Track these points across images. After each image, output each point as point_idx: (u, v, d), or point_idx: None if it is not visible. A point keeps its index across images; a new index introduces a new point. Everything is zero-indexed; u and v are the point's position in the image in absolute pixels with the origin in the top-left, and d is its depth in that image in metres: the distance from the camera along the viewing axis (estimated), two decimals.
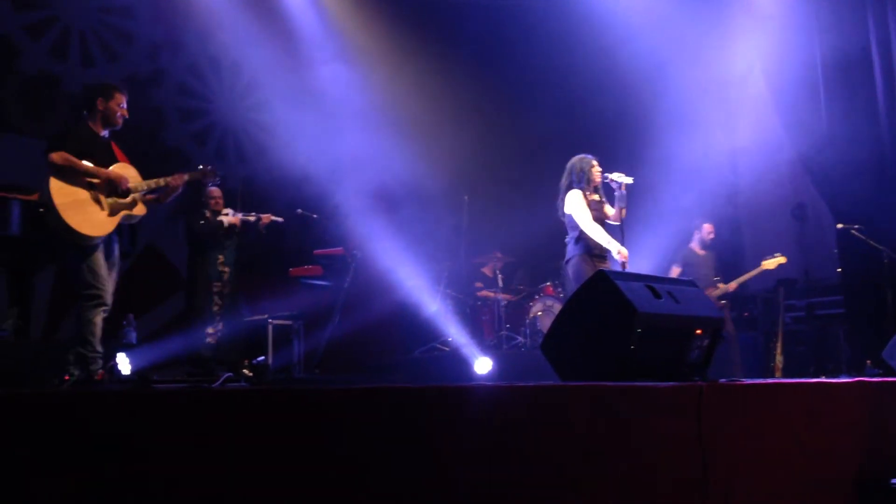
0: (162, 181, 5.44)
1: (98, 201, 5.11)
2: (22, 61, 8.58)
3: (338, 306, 8.24)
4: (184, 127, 9.72)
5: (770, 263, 8.47)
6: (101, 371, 5.04)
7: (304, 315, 8.25)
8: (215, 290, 7.51)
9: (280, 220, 7.98)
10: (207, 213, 7.70)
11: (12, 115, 8.42)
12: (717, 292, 8.47)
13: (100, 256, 5.10)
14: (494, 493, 2.86)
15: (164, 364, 7.45)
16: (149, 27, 9.46)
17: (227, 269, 7.56)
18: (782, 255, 8.51)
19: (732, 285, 8.53)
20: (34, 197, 5.30)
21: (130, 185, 5.26)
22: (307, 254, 8.62)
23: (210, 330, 7.41)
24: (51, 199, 4.93)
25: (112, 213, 5.17)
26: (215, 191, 7.78)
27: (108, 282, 5.16)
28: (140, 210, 5.35)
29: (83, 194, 5.05)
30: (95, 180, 5.11)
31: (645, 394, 3.34)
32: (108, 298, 5.15)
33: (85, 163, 5.10)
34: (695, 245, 8.83)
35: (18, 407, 2.31)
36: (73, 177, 5.04)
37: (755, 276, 8.66)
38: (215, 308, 7.48)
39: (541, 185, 7.63)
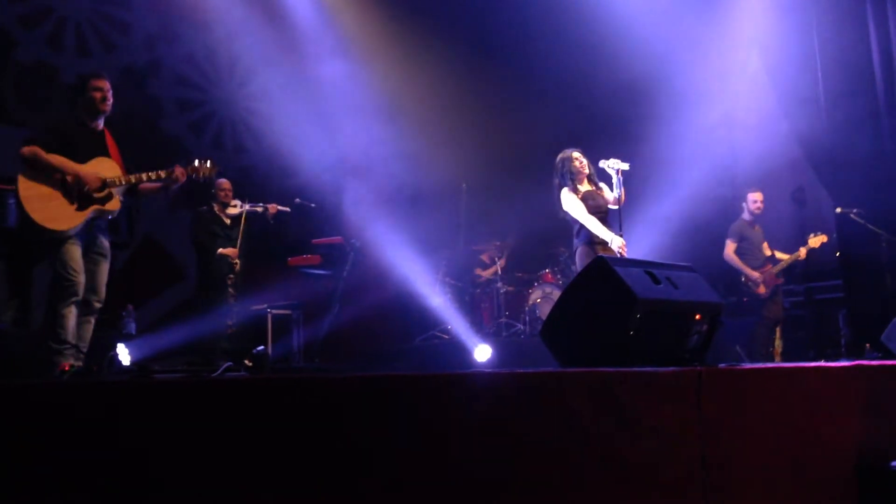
0: (144, 176, 5.36)
1: (68, 195, 5.05)
2: (18, 52, 8.56)
3: (337, 295, 8.25)
4: (182, 117, 9.71)
5: (815, 241, 8.33)
6: (65, 364, 4.92)
7: (303, 304, 8.27)
8: (229, 282, 7.50)
9: (287, 209, 7.96)
10: (216, 206, 7.68)
11: (9, 105, 8.40)
12: (778, 267, 8.37)
13: (72, 249, 5.06)
14: (494, 480, 2.87)
15: (170, 354, 7.48)
16: (144, 17, 9.44)
17: (237, 262, 7.56)
18: (824, 234, 8.37)
19: (803, 252, 8.32)
20: None
21: (107, 179, 5.19)
22: (306, 243, 8.63)
23: (230, 322, 7.43)
24: (17, 193, 4.96)
25: (81, 206, 5.09)
26: (224, 182, 7.76)
27: (82, 274, 5.09)
28: (114, 205, 5.26)
29: (50, 188, 5.01)
30: (67, 176, 5.06)
31: (644, 379, 3.34)
32: (81, 290, 5.07)
33: (53, 158, 5.04)
34: (746, 217, 8.61)
35: (18, 398, 2.31)
36: (41, 171, 5.01)
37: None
38: (231, 300, 7.48)
39: (539, 172, 7.62)
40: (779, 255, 8.49)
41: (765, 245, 8.58)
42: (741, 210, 8.71)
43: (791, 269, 9.10)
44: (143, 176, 5.36)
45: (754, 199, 8.55)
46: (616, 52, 9.66)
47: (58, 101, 8.52)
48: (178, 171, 5.45)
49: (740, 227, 8.58)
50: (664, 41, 9.51)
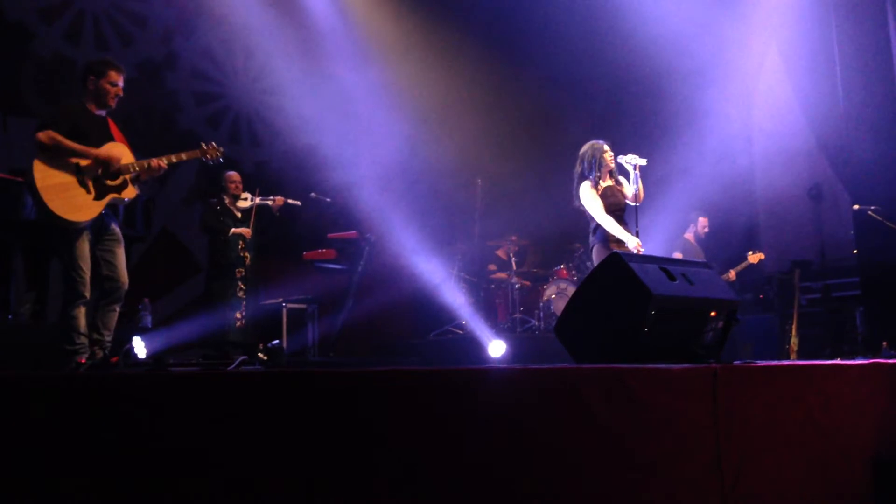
0: (154, 161, 5.12)
1: (84, 184, 4.88)
2: (36, 45, 8.60)
3: (352, 290, 8.27)
4: (198, 110, 9.73)
5: (753, 258, 8.66)
6: (82, 359, 4.84)
7: (318, 299, 8.29)
8: (238, 275, 7.52)
9: (297, 203, 7.96)
10: (226, 198, 7.69)
11: (27, 98, 8.44)
12: None
13: (83, 244, 4.90)
14: (508, 475, 2.87)
15: (185, 347, 7.51)
16: (162, 11, 9.47)
17: (248, 255, 7.57)
18: (762, 252, 8.73)
19: (731, 275, 8.59)
20: None
21: (123, 163, 5.02)
22: (321, 237, 8.64)
23: (238, 315, 7.45)
24: (33, 181, 4.74)
25: (99, 196, 4.93)
26: (234, 175, 7.77)
27: (89, 272, 4.92)
28: (130, 193, 5.09)
29: (67, 177, 4.84)
30: (84, 161, 4.88)
31: (659, 375, 3.33)
32: (88, 290, 4.92)
33: (72, 143, 4.87)
34: (690, 236, 8.93)
35: (35, 389, 2.33)
36: (59, 157, 4.82)
37: (749, 266, 8.81)
38: (240, 293, 7.51)
39: (555, 168, 7.61)
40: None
41: None
42: (687, 228, 9.01)
43: (807, 267, 9.13)
44: (145, 163, 5.12)
45: (703, 223, 8.95)
46: (636, 49, 9.63)
47: (75, 95, 8.55)
48: (167, 157, 5.21)
49: (683, 243, 8.88)
50: (683, 38, 9.46)
